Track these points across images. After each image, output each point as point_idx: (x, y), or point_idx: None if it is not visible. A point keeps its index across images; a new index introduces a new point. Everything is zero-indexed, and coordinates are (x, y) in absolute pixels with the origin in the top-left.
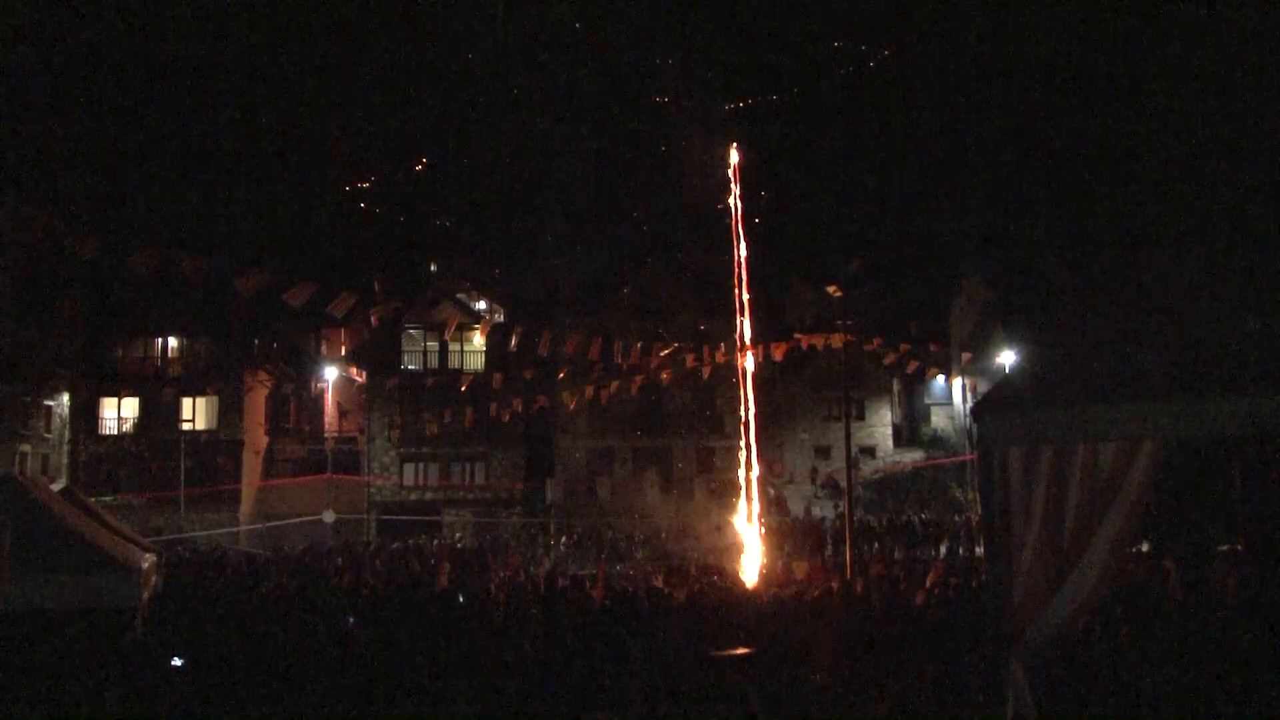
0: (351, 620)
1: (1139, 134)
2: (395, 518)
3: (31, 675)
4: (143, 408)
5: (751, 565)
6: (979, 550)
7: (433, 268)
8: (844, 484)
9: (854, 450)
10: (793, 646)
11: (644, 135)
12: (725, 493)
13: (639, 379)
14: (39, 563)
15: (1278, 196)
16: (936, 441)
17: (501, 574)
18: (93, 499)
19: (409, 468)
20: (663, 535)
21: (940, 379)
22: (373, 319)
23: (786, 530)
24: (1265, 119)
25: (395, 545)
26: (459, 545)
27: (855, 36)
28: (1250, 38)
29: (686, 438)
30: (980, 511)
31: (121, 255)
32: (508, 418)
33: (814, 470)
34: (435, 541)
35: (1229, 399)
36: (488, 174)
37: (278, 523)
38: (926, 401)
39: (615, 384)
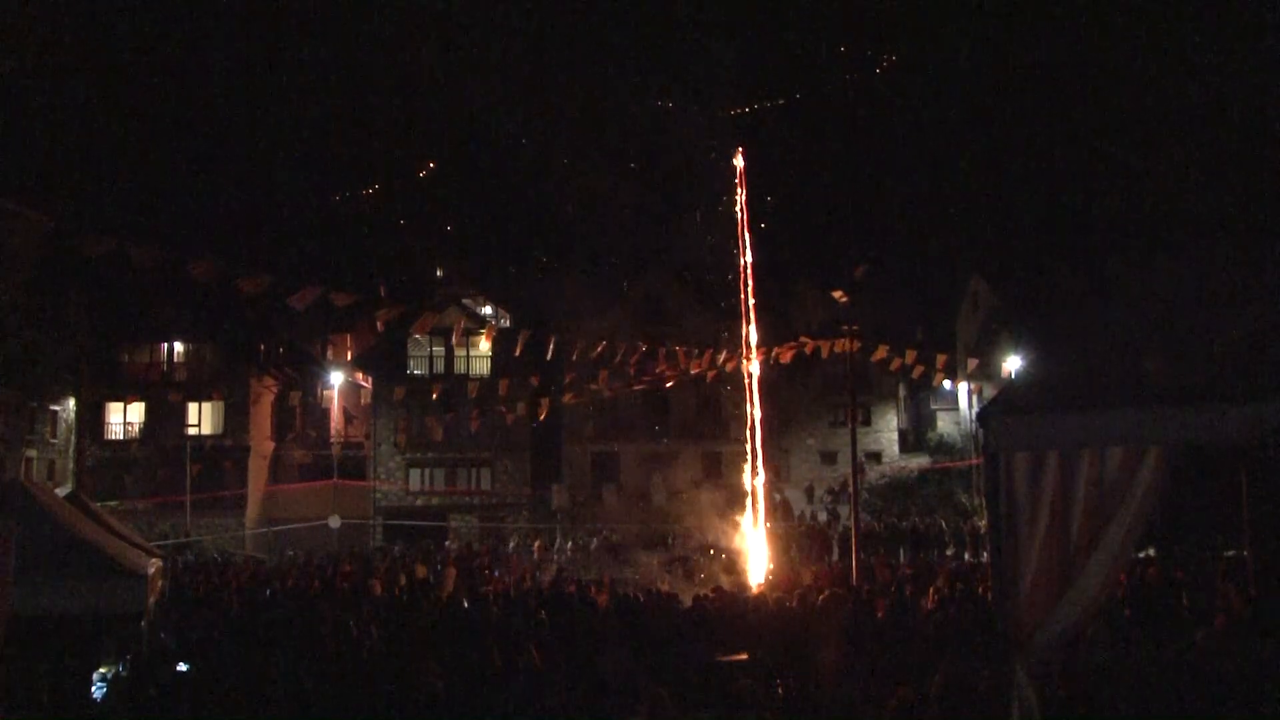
0: (356, 626)
1: (1145, 139)
2: (401, 523)
3: (38, 680)
4: (149, 413)
5: (756, 570)
6: (985, 555)
7: (439, 273)
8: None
9: (860, 455)
10: (797, 652)
11: (648, 139)
12: (731, 498)
13: (642, 383)
14: (45, 568)
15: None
16: (942, 446)
17: (507, 579)
18: (99, 504)
19: (415, 473)
20: (668, 540)
21: (946, 384)
22: (378, 324)
23: (792, 535)
24: (1267, 122)
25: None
26: (466, 549)
27: (861, 40)
28: (1253, 42)
29: (692, 443)
30: (986, 516)
31: (125, 257)
32: (512, 422)
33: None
34: (446, 545)
35: (1235, 405)
36: (492, 179)
37: (283, 528)
38: (933, 407)
39: (619, 384)
